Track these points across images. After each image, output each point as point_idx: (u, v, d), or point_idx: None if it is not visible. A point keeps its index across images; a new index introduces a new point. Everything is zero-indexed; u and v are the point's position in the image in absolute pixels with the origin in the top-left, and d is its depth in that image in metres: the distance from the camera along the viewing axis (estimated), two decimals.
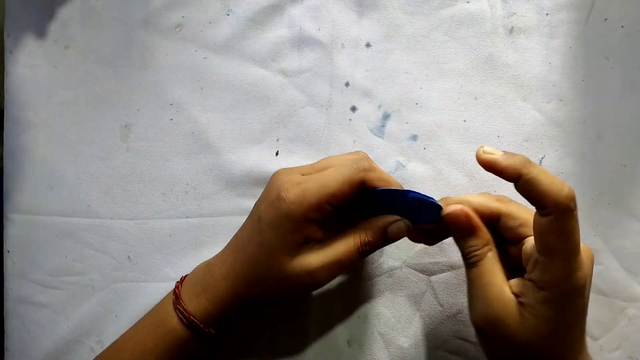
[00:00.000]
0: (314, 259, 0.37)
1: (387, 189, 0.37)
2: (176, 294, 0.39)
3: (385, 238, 0.38)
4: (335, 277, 0.38)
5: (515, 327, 0.32)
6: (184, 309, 0.38)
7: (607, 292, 0.43)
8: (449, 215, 0.35)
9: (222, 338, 0.40)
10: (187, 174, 0.47)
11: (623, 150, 0.44)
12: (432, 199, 0.36)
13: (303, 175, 0.38)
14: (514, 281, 0.34)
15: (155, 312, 0.40)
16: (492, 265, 0.34)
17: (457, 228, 0.35)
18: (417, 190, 0.37)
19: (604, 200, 0.44)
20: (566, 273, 0.31)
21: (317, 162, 0.40)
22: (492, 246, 0.35)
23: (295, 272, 0.36)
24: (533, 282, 0.32)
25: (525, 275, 0.33)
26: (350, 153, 0.40)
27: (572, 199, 0.30)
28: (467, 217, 0.35)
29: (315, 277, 0.37)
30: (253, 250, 0.37)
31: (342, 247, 0.37)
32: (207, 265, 0.40)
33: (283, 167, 0.46)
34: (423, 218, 0.37)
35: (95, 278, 0.47)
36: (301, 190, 0.36)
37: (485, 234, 0.35)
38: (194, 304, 0.38)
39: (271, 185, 0.38)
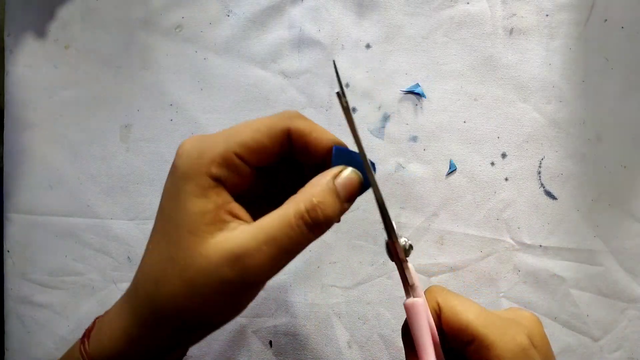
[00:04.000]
0: (236, 238, 0.25)
1: (343, 147, 0.29)
2: (86, 331, 0.29)
3: (337, 196, 0.27)
4: (277, 269, 0.26)
5: None
6: (85, 351, 0.28)
7: (608, 293, 0.43)
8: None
9: None
10: None
11: (623, 151, 0.44)
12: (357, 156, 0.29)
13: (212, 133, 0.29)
14: None
15: (69, 351, 0.30)
16: None
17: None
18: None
19: (604, 201, 0.44)
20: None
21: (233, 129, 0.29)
22: None
23: (209, 261, 0.25)
24: None
25: None
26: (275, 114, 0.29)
27: None
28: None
29: (242, 264, 0.25)
30: (154, 243, 0.27)
31: (278, 220, 0.25)
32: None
33: None
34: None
35: (95, 278, 0.47)
36: (200, 141, 0.27)
37: None
38: (97, 343, 0.28)
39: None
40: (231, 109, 0.47)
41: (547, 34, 0.45)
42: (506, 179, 0.44)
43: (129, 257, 0.47)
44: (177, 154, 0.27)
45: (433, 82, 0.45)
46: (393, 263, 0.30)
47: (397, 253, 0.28)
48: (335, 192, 0.27)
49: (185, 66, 0.47)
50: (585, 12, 0.45)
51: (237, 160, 0.26)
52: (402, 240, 0.28)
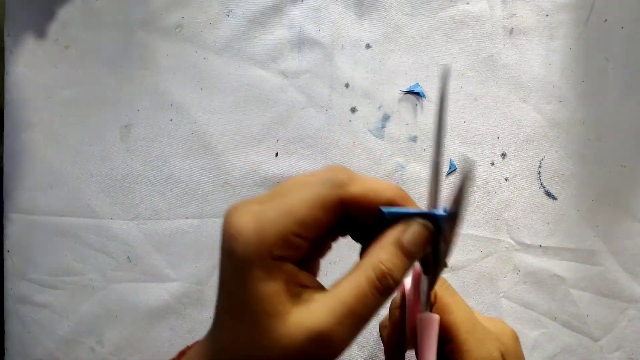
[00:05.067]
0: (317, 313, 0.25)
1: (395, 210, 0.27)
2: None
3: (406, 254, 0.26)
4: (355, 336, 0.25)
5: None
6: None
7: (607, 293, 0.43)
8: None
9: None
10: (187, 175, 0.47)
11: (623, 152, 0.44)
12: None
13: (261, 203, 0.27)
14: None
15: None
16: None
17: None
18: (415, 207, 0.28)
19: (604, 201, 0.44)
20: None
21: (279, 185, 0.28)
22: None
23: (294, 341, 0.24)
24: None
25: None
26: (325, 169, 0.28)
27: None
28: None
29: (329, 341, 0.25)
30: (230, 324, 0.26)
31: (351, 290, 0.25)
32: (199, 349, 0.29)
33: (283, 167, 0.46)
34: None
35: (95, 278, 0.47)
36: (257, 222, 0.25)
37: None
38: None
39: (223, 229, 0.27)
40: (231, 109, 0.47)
41: (547, 34, 0.45)
42: (506, 179, 0.44)
43: (128, 257, 0.47)
44: (230, 236, 0.25)
45: (433, 82, 0.45)
46: None
47: (434, 268, 0.28)
48: (403, 253, 0.26)
49: (185, 66, 0.47)
50: (585, 12, 0.44)
51: (296, 240, 0.26)
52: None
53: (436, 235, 0.27)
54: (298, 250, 0.26)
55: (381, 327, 0.38)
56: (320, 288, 0.26)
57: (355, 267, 0.26)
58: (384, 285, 0.25)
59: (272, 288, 0.25)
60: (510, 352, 0.32)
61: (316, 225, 0.26)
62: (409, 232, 0.26)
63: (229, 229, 0.26)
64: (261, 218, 0.25)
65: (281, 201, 0.26)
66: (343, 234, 0.29)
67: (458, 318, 0.31)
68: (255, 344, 0.25)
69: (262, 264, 0.25)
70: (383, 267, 0.25)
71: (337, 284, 0.26)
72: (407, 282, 0.32)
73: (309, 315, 0.25)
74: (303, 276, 0.26)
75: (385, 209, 0.26)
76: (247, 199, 0.27)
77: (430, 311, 0.30)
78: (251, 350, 0.25)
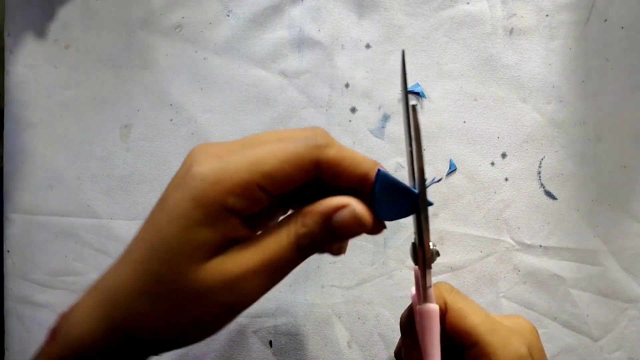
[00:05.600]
0: (233, 263, 0.25)
1: (388, 175, 0.26)
2: (53, 328, 0.27)
3: (330, 230, 0.26)
4: (267, 290, 0.26)
5: None
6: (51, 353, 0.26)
7: (607, 293, 0.43)
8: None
9: None
10: None
11: (623, 152, 0.44)
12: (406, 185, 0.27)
13: (230, 150, 0.26)
14: None
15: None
16: None
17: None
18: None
19: (604, 201, 0.44)
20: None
21: (253, 135, 0.27)
22: None
23: (205, 286, 0.24)
24: None
25: None
26: (303, 129, 0.27)
27: None
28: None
29: (239, 289, 0.25)
30: (143, 254, 0.25)
31: (272, 243, 0.25)
32: (97, 282, 0.28)
33: None
34: (390, 209, 0.27)
35: (95, 278, 0.47)
36: (221, 164, 0.24)
37: None
38: (64, 342, 0.26)
39: (185, 160, 0.26)
40: (231, 109, 0.47)
41: (547, 34, 0.45)
42: (506, 179, 0.44)
43: None
44: (189, 171, 0.24)
45: (433, 82, 0.45)
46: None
47: (423, 259, 0.28)
48: (328, 230, 0.26)
49: (185, 66, 0.47)
50: (585, 12, 0.45)
51: (258, 192, 0.24)
52: (431, 245, 0.28)
53: (418, 216, 0.27)
54: (256, 204, 0.25)
55: (397, 352, 0.35)
56: (245, 246, 0.25)
57: (282, 224, 0.26)
58: (302, 246, 0.25)
59: (205, 236, 0.24)
60: (534, 347, 0.30)
61: (284, 181, 0.25)
62: (342, 215, 0.25)
63: (190, 162, 0.25)
64: (226, 162, 0.24)
65: (252, 151, 0.25)
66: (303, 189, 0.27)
67: (475, 320, 0.29)
68: (164, 283, 0.24)
69: (209, 210, 0.24)
70: (305, 229, 0.25)
71: (260, 237, 0.25)
72: (414, 290, 0.31)
73: (225, 264, 0.24)
74: (242, 232, 0.25)
75: (381, 171, 0.26)
76: (216, 142, 0.26)
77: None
78: (161, 288, 0.24)
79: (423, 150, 0.25)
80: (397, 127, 0.45)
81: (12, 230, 0.48)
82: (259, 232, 0.26)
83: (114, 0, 0.48)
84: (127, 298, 0.25)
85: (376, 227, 0.27)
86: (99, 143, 0.48)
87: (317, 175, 0.26)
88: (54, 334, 0.26)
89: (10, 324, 0.48)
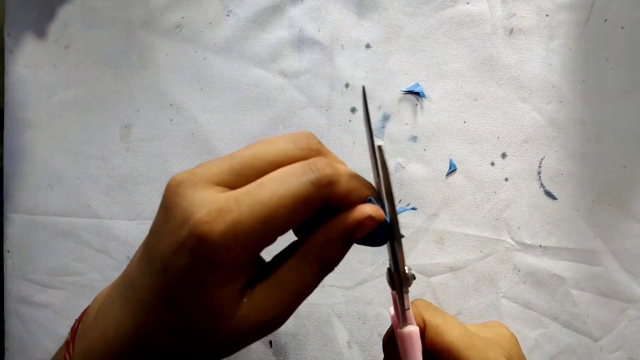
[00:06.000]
0: (264, 305, 0.25)
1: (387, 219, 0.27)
2: (72, 331, 0.28)
3: (350, 244, 0.26)
4: (290, 315, 0.26)
5: None
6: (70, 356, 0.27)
7: (608, 293, 0.43)
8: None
9: None
10: None
11: (623, 151, 0.44)
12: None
13: (220, 185, 0.24)
14: None
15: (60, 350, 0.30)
16: None
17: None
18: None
19: (604, 201, 0.44)
20: None
21: (239, 151, 0.26)
22: None
23: (241, 333, 0.24)
24: None
25: None
26: (291, 135, 0.26)
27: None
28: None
29: (273, 321, 0.25)
30: (165, 317, 0.24)
31: (293, 276, 0.25)
32: (100, 311, 0.28)
33: None
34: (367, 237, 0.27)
35: (95, 278, 0.47)
36: (230, 225, 0.23)
37: None
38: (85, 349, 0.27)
39: (173, 206, 0.24)
40: (231, 109, 0.47)
41: (547, 34, 0.45)
42: (506, 179, 0.44)
43: (128, 257, 0.47)
44: (198, 238, 0.22)
45: (433, 82, 0.45)
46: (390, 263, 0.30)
47: (399, 284, 0.28)
48: (347, 247, 0.26)
49: (185, 66, 0.47)
50: (585, 12, 0.44)
51: (269, 242, 0.24)
52: (406, 269, 0.28)
53: (392, 244, 0.27)
54: (267, 244, 0.24)
55: None
56: (262, 270, 0.25)
57: (299, 253, 0.25)
58: (324, 274, 0.26)
59: (229, 291, 0.24)
60: (513, 356, 0.31)
61: (292, 225, 0.24)
62: (364, 227, 0.25)
63: (190, 223, 0.23)
64: (235, 220, 0.23)
65: (257, 198, 0.23)
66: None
67: (453, 336, 0.29)
68: (195, 341, 0.24)
69: (231, 269, 0.23)
70: (326, 262, 0.26)
71: (280, 271, 0.25)
72: (392, 311, 0.31)
73: (255, 309, 0.24)
74: (255, 269, 0.25)
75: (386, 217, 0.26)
76: (194, 171, 0.24)
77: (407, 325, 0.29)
78: (187, 346, 0.24)
79: (391, 182, 0.26)
80: (397, 127, 0.45)
81: (12, 230, 0.48)
82: (278, 268, 0.26)
83: (114, 0, 0.48)
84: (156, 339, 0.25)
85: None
86: (99, 143, 0.48)
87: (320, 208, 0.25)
88: (75, 331, 0.27)
89: (10, 324, 0.48)
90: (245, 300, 0.24)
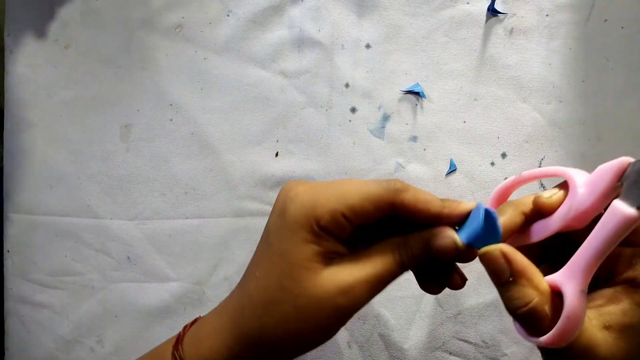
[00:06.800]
0: (346, 273, 0.29)
1: (493, 212, 0.29)
2: (178, 337, 0.33)
3: (428, 253, 0.30)
4: (372, 297, 0.30)
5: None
6: (180, 357, 0.31)
7: None
8: (484, 255, 0.28)
9: None
10: (187, 175, 0.47)
11: (623, 151, 0.44)
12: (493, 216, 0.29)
13: (320, 185, 0.32)
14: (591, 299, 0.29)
15: (154, 353, 0.34)
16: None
17: (494, 273, 0.28)
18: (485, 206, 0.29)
19: None
20: None
21: (339, 179, 0.35)
22: (544, 298, 0.27)
23: (324, 291, 0.29)
24: (628, 283, 0.28)
25: (615, 280, 0.29)
26: (384, 179, 0.32)
27: None
28: (508, 261, 0.28)
29: (352, 294, 0.29)
30: (262, 272, 0.30)
31: (380, 258, 0.30)
32: (223, 302, 0.33)
33: (283, 167, 0.46)
34: (483, 241, 0.29)
35: (95, 278, 0.47)
36: (313, 194, 0.30)
37: (534, 284, 0.28)
38: (194, 352, 0.31)
39: (279, 195, 0.32)
40: (231, 109, 0.47)
41: (547, 34, 0.45)
42: (506, 179, 0.44)
43: (128, 257, 0.47)
44: (288, 198, 0.30)
45: (433, 82, 0.45)
46: None
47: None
48: (428, 251, 0.30)
49: (185, 66, 0.47)
50: (585, 12, 0.44)
51: (343, 220, 0.29)
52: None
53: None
54: (342, 229, 0.29)
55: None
56: (353, 259, 0.30)
57: (388, 244, 0.30)
58: (404, 266, 0.30)
59: (312, 249, 0.29)
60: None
61: (364, 214, 0.29)
62: (442, 240, 0.29)
63: (288, 192, 0.31)
64: (317, 192, 0.30)
65: (338, 188, 0.30)
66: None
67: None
68: (286, 290, 0.29)
69: (309, 228, 0.29)
70: (411, 250, 0.30)
71: (368, 253, 0.30)
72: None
73: (338, 272, 0.29)
74: (339, 248, 0.30)
75: (489, 209, 0.29)
76: (306, 181, 0.33)
77: None
78: (281, 296, 0.29)
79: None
80: (397, 127, 0.45)
81: (12, 230, 0.48)
82: (364, 250, 0.30)
83: (114, 0, 0.48)
84: (254, 309, 0.30)
85: (469, 256, 0.30)
86: (99, 143, 0.48)
87: (393, 213, 0.30)
88: (180, 339, 0.32)
89: (10, 324, 0.48)
90: (331, 266, 0.29)
